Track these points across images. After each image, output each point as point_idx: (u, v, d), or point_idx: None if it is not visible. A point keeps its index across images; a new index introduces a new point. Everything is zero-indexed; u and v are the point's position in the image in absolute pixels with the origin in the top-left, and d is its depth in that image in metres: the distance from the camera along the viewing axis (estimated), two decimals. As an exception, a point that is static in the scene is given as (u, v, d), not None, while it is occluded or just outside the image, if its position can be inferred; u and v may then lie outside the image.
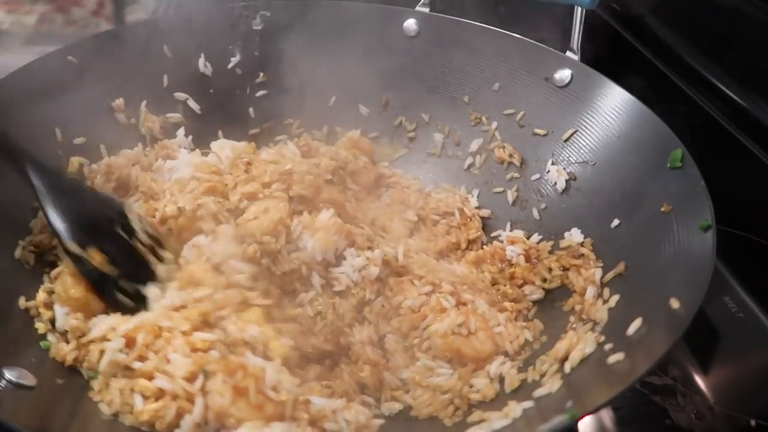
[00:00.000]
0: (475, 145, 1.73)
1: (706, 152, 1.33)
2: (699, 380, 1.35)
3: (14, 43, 1.87)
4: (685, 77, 1.90)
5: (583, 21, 1.62)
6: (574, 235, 1.46)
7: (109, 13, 1.83)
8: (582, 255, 1.40)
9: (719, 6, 1.82)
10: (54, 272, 1.28)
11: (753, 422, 1.26)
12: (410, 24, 1.79)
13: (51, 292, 1.23)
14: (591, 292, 1.30)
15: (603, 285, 1.31)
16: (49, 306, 1.22)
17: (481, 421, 1.06)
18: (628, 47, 1.98)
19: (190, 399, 1.03)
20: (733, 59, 1.81)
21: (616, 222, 1.39)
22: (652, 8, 1.83)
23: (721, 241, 1.13)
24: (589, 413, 0.93)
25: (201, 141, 1.71)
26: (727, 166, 1.62)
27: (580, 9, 1.61)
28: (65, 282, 1.23)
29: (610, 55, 1.65)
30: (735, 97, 1.76)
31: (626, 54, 1.92)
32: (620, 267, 1.30)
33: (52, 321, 1.22)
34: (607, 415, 1.28)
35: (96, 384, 1.11)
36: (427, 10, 1.80)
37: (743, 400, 1.31)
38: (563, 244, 1.46)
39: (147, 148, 1.64)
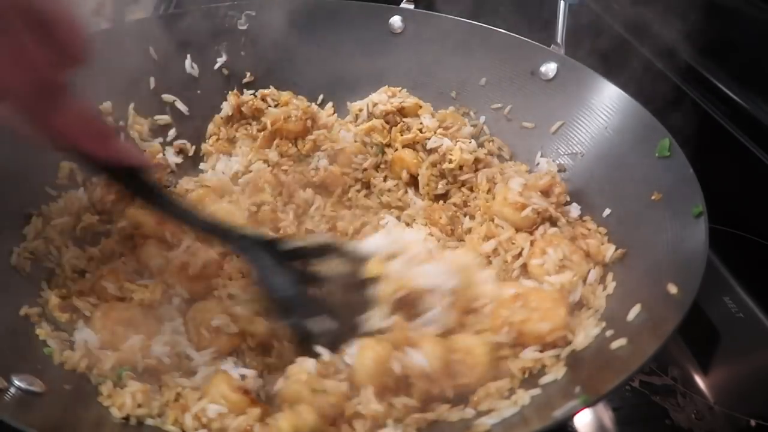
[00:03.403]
0: (464, 140, 1.74)
1: (705, 152, 1.35)
2: (699, 380, 1.35)
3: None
4: (685, 77, 1.91)
5: (566, 16, 1.65)
6: (572, 211, 1.47)
7: (109, 13, 1.80)
8: (589, 230, 1.40)
9: (719, 6, 1.82)
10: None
11: (753, 422, 1.25)
12: (395, 21, 1.80)
13: (65, 297, 1.22)
14: (593, 275, 1.30)
15: (598, 272, 1.33)
16: (65, 309, 1.21)
17: (490, 411, 1.08)
18: (629, 48, 1.99)
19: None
20: (733, 59, 1.82)
21: (607, 211, 1.42)
22: (652, 8, 1.85)
23: (722, 241, 1.12)
24: (602, 398, 0.95)
25: (191, 143, 1.70)
26: (727, 166, 1.68)
27: (563, 3, 1.64)
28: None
29: (609, 55, 1.67)
30: (735, 97, 1.78)
31: (626, 54, 1.93)
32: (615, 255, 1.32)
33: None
34: (606, 415, 1.28)
35: (105, 389, 1.10)
36: (411, 6, 1.82)
37: (743, 400, 1.30)
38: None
39: (140, 153, 1.62)
